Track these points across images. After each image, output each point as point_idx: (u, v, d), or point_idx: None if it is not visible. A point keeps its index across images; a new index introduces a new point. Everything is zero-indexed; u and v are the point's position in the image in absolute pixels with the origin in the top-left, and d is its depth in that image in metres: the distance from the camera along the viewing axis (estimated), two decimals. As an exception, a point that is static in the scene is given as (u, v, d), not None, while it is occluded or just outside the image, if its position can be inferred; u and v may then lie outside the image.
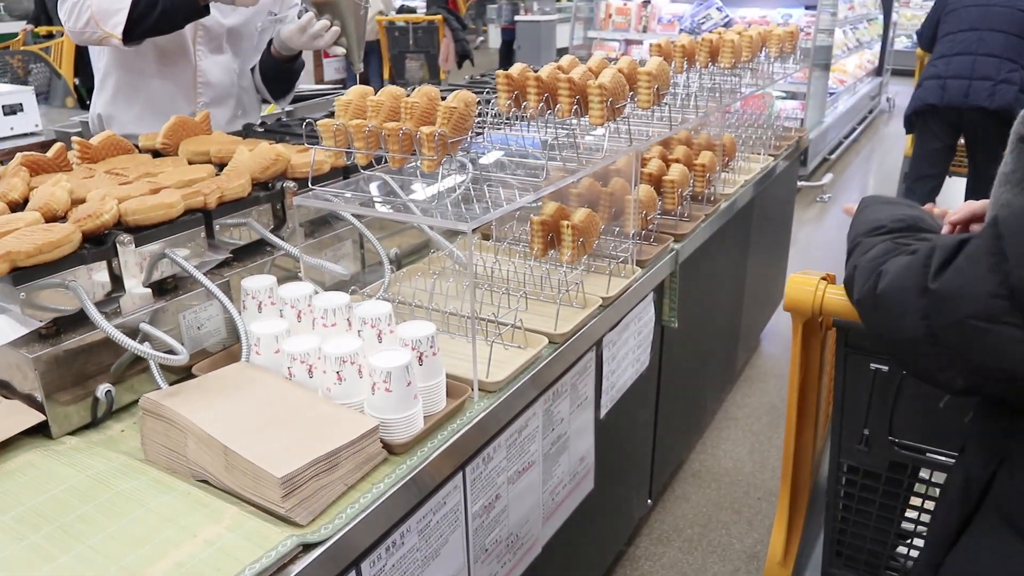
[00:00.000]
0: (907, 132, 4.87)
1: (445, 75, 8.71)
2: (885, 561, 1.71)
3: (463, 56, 8.76)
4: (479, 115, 1.80)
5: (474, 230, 1.51)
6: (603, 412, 2.00)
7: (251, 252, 1.70)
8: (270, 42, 2.40)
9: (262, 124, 2.64)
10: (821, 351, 1.71)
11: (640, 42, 8.23)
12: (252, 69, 2.48)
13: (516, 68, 1.86)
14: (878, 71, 9.81)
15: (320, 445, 1.19)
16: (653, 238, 2.19)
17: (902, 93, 10.68)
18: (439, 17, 8.59)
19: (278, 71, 2.44)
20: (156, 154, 2.00)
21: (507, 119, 1.79)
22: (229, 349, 1.57)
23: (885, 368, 1.51)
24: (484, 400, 1.46)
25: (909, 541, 1.69)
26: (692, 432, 3.12)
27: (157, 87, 2.31)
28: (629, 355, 2.08)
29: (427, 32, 8.68)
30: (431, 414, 1.38)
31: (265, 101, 2.65)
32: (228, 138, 2.01)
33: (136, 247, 1.45)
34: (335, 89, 4.02)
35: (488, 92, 1.89)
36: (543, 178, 1.58)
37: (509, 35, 11.75)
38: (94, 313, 1.30)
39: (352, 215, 1.78)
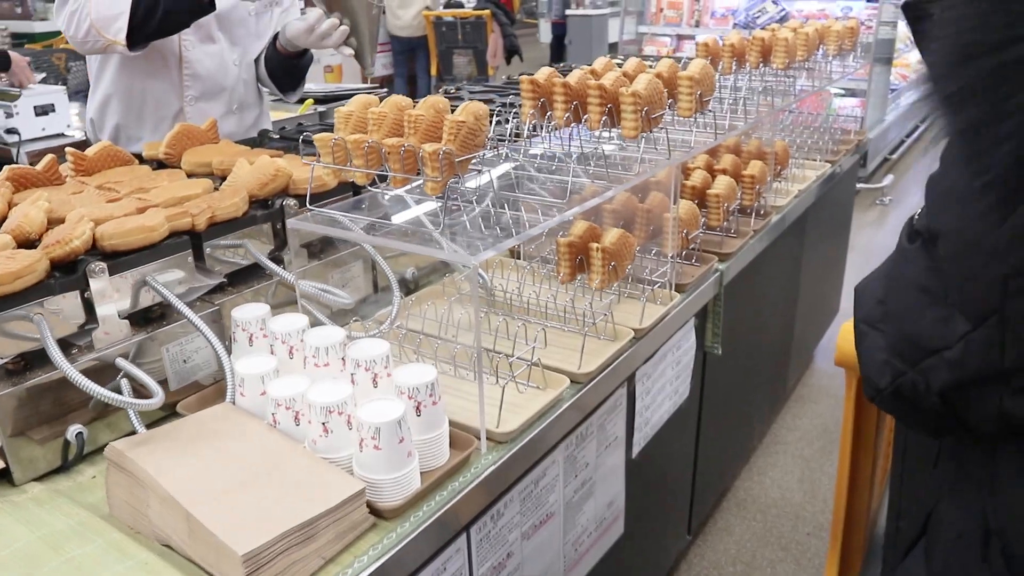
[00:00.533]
0: None
1: (493, 71, 8.55)
2: None
3: (512, 52, 8.59)
4: (503, 122, 1.64)
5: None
6: (635, 451, 1.82)
7: (249, 276, 1.56)
8: (275, 37, 2.25)
9: (281, 129, 2.51)
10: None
11: (692, 37, 7.96)
12: (257, 61, 2.34)
13: (543, 73, 1.69)
14: (945, 66, 9.34)
15: (295, 512, 1.04)
16: (695, 258, 2.00)
17: (970, 89, 10.20)
18: (487, 12, 8.43)
19: (284, 67, 2.29)
20: (161, 165, 1.88)
21: (532, 129, 1.62)
22: (219, 384, 1.43)
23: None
24: (493, 452, 1.29)
25: None
26: (737, 458, 2.92)
27: (143, 84, 2.17)
28: (666, 387, 1.90)
29: (475, 27, 8.53)
30: (430, 470, 1.22)
31: (276, 98, 2.49)
32: (233, 148, 1.88)
33: (115, 274, 1.31)
34: (372, 88, 3.89)
35: (507, 99, 1.73)
36: (566, 199, 1.41)
37: (560, 30, 11.53)
38: (54, 351, 1.17)
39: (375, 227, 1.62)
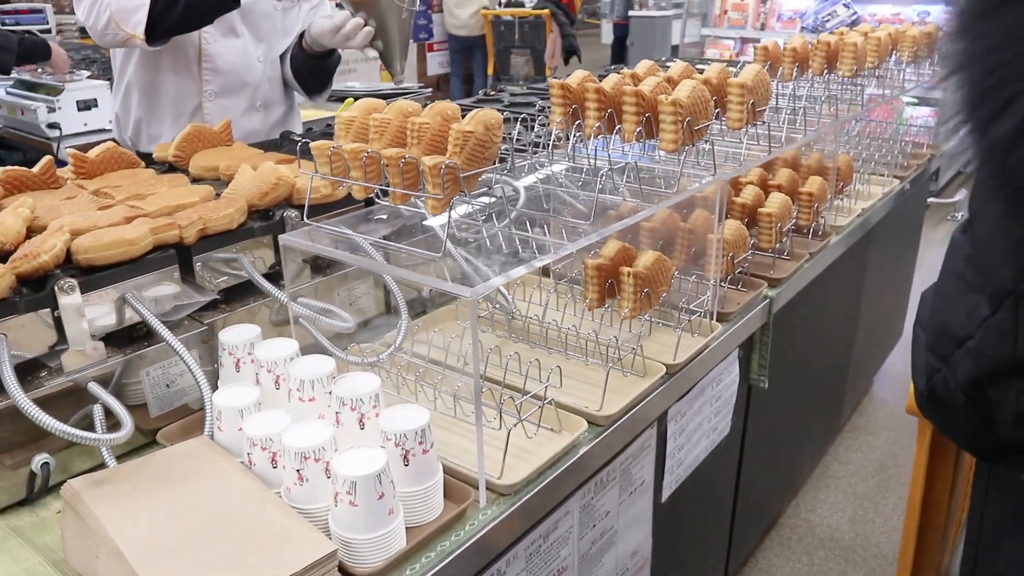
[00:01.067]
0: None
1: (551, 71, 8.39)
2: None
3: (570, 52, 8.42)
4: (530, 128, 1.49)
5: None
6: (665, 495, 1.65)
7: (247, 292, 1.44)
8: (302, 35, 2.14)
9: (308, 130, 2.40)
10: (956, 456, 1.35)
11: (758, 40, 7.69)
12: (283, 58, 2.22)
13: (576, 76, 1.54)
14: None
15: (253, 578, 0.91)
16: (742, 283, 1.82)
17: (1054, 99, 9.68)
18: (547, 12, 8.28)
19: (309, 67, 2.17)
20: (172, 167, 1.78)
21: (560, 138, 1.47)
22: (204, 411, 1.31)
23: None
24: (494, 506, 1.14)
25: None
26: (784, 490, 2.71)
27: (163, 78, 2.07)
28: (703, 425, 1.73)
29: (533, 27, 8.39)
30: (419, 525, 1.08)
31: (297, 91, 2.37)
32: (245, 152, 1.76)
33: (90, 290, 1.20)
34: (418, 89, 3.76)
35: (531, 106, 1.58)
36: (591, 219, 1.25)
37: (622, 31, 11.28)
38: (8, 378, 1.06)
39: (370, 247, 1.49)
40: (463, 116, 1.18)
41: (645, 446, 1.51)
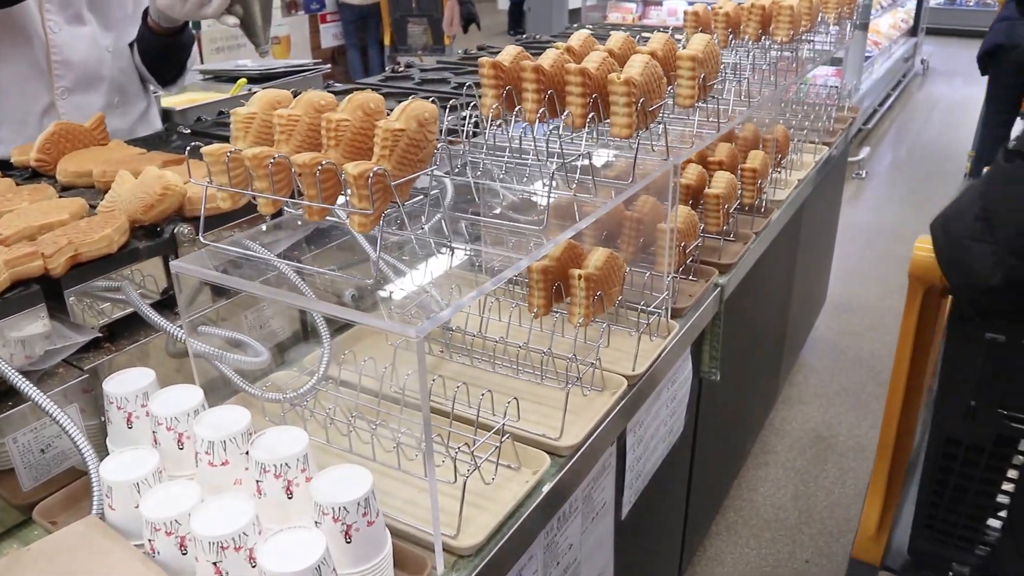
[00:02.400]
0: (981, 74, 5.10)
1: (449, 41, 8.10)
2: (980, 537, 1.69)
3: (469, 20, 8.14)
4: (458, 109, 1.30)
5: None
6: (625, 511, 1.51)
7: (136, 326, 1.21)
8: (146, 12, 1.83)
9: (198, 120, 2.13)
10: (934, 326, 1.67)
11: (659, 3, 7.62)
12: (132, 46, 1.93)
13: (508, 53, 1.35)
14: (913, 31, 9.11)
15: None
16: (692, 272, 1.68)
17: (937, 54, 10.01)
18: (442, -22, 7.98)
19: (159, 48, 1.87)
20: (35, 174, 1.51)
21: (496, 125, 1.29)
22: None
23: (1002, 338, 1.42)
24: (454, 573, 0.97)
25: (1003, 515, 1.64)
26: (729, 473, 2.63)
27: (5, 72, 1.75)
28: (660, 430, 1.59)
29: (430, -6, 8.08)
30: (369, 608, 0.89)
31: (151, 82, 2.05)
32: (123, 152, 1.51)
33: (-71, 343, 0.96)
34: (315, 66, 3.46)
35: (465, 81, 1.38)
36: (543, 224, 1.08)
37: (518, -5, 11.07)
38: None
39: (286, 267, 1.27)
40: (372, 102, 0.98)
41: (606, 466, 1.36)
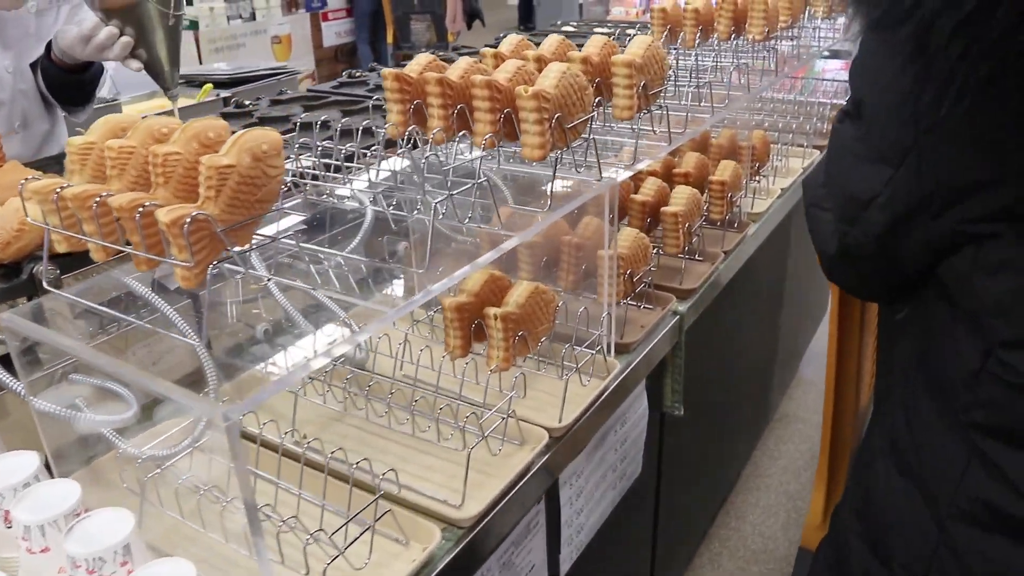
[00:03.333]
0: None
1: (453, 37, 7.96)
2: None
3: (472, 16, 7.99)
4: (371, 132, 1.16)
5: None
6: (564, 568, 1.36)
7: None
8: (49, 45, 1.72)
9: None
10: (861, 309, 1.69)
11: (666, -5, 7.41)
12: (35, 67, 1.81)
13: (419, 62, 1.21)
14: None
15: None
16: (646, 299, 1.53)
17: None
18: (445, -27, 7.82)
19: (65, 83, 1.77)
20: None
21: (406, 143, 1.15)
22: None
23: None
24: None
25: None
26: (711, 502, 2.47)
27: None
28: (608, 475, 1.44)
29: (433, -10, 7.93)
30: None
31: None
32: (13, 177, 1.38)
33: None
34: (276, 72, 3.30)
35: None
36: (423, 266, 0.93)
37: (529, -11, 10.89)
38: None
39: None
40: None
41: (532, 527, 1.21)
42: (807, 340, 3.24)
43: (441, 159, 1.15)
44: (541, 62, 1.26)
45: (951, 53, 0.71)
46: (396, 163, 1.15)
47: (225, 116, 2.00)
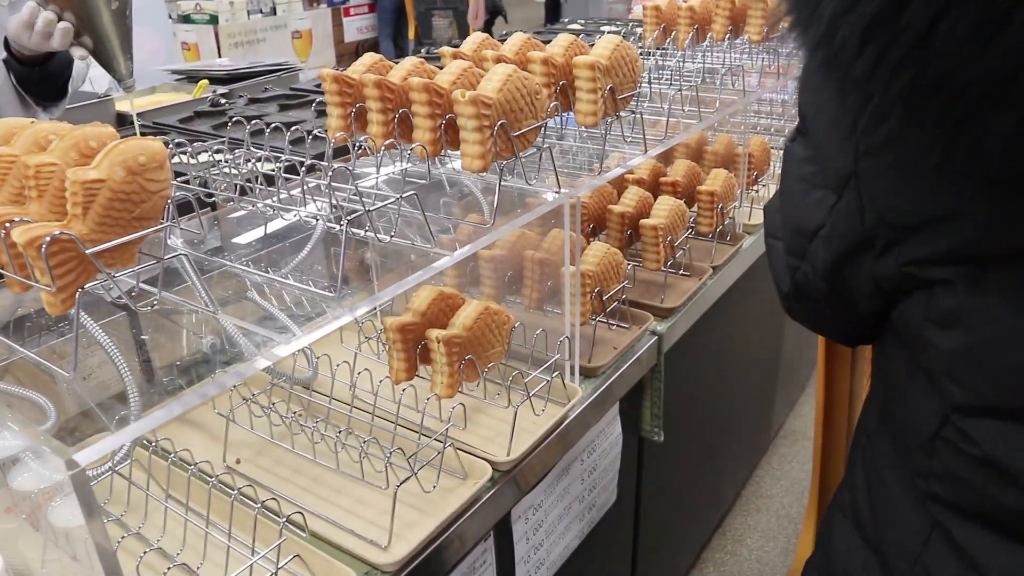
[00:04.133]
0: None
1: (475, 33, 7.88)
2: None
3: (495, 13, 7.90)
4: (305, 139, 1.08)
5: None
6: (522, 607, 1.27)
7: None
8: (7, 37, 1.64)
9: (150, 126, 1.94)
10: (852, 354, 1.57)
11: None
12: (7, 62, 1.73)
13: (362, 62, 1.13)
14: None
15: None
16: (620, 317, 1.43)
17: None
18: (468, -31, 7.74)
19: (30, 77, 1.68)
20: None
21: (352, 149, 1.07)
22: None
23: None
24: None
25: None
26: (704, 526, 2.36)
27: None
28: (574, 507, 1.34)
29: (456, -15, 7.86)
30: None
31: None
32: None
33: None
34: (278, 68, 3.21)
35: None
36: (336, 290, 0.84)
37: (555, -15, 10.77)
38: None
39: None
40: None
41: (478, 566, 1.12)
42: (816, 354, 3.11)
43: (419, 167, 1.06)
44: (500, 63, 1.17)
45: (864, 63, 0.61)
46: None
47: (199, 115, 1.93)
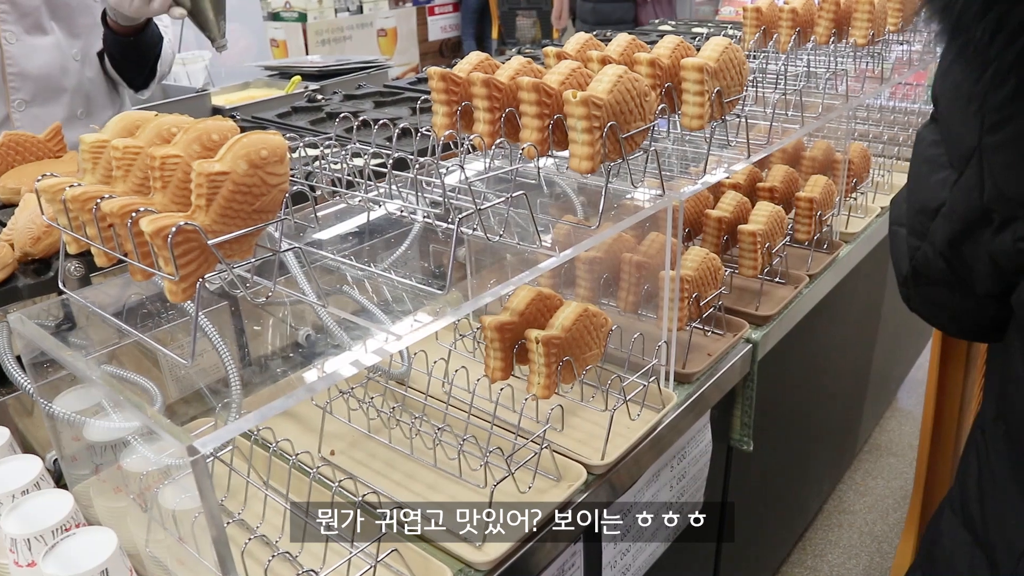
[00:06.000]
0: None
1: (558, 34, 7.86)
2: None
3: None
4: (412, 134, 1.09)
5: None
6: (606, 615, 1.26)
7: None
8: (105, 12, 1.69)
9: (248, 120, 1.99)
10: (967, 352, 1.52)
11: (779, -6, 7.11)
12: (101, 54, 1.80)
13: (468, 61, 1.13)
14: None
15: None
16: (716, 324, 1.40)
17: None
18: (552, -32, 7.73)
19: (123, 49, 1.73)
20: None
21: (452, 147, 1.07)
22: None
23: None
24: None
25: None
26: (784, 539, 2.31)
27: None
28: (659, 515, 1.32)
29: (540, -15, 7.86)
30: None
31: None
32: (71, 167, 1.37)
33: None
34: (368, 65, 3.26)
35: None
36: (446, 289, 0.85)
37: (637, -14, 10.67)
38: None
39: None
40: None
41: (566, 568, 1.11)
42: (907, 366, 3.01)
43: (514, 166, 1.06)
44: (607, 63, 1.16)
45: (986, 26, 0.63)
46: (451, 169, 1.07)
47: (296, 110, 1.97)
